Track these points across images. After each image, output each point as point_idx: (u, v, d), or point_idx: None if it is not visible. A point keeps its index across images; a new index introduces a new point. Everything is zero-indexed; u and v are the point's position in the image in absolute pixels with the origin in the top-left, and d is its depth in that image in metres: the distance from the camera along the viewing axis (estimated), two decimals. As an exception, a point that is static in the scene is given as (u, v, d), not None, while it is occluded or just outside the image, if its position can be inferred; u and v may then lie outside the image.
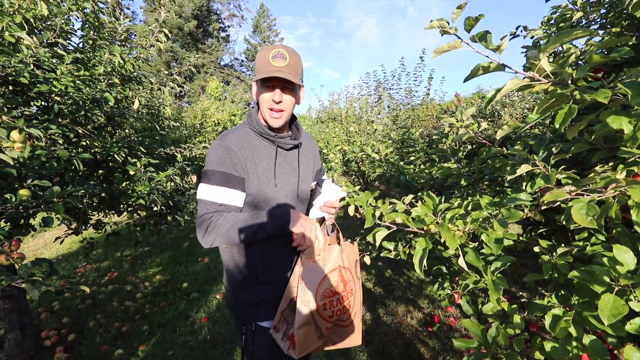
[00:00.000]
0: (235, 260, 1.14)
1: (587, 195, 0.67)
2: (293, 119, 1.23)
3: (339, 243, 1.11)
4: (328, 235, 1.12)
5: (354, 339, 1.14)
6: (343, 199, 1.21)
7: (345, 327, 1.10)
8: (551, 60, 1.56)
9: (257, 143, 1.12)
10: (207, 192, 1.05)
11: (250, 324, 1.13)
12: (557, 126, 0.62)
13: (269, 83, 1.05)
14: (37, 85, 1.89)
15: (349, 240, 1.19)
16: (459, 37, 0.68)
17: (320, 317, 1.02)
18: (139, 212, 2.84)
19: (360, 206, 1.00)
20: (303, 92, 1.18)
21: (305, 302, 1.01)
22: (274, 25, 31.07)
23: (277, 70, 1.02)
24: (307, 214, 1.21)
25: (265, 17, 30.69)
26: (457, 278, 1.25)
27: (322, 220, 1.17)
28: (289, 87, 1.07)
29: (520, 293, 2.38)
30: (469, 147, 1.58)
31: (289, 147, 1.16)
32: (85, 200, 2.37)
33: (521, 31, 2.00)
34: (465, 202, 0.92)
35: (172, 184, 2.87)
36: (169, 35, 2.91)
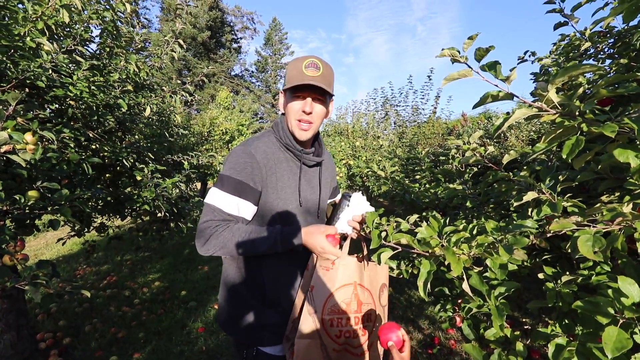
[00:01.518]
0: (242, 278, 1.05)
1: (593, 226, 0.67)
2: (316, 134, 1.14)
3: (361, 260, 1.02)
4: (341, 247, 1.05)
5: None
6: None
7: (357, 355, 0.98)
8: (561, 89, 1.59)
9: (280, 155, 1.06)
10: (217, 198, 0.98)
11: (251, 347, 1.04)
12: (564, 156, 0.63)
13: (300, 92, 1.00)
14: (53, 89, 1.94)
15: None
16: (469, 66, 0.69)
17: (327, 334, 0.95)
18: (142, 217, 2.86)
19: (367, 226, 1.00)
20: (332, 105, 1.12)
21: (311, 312, 0.94)
22: (285, 38, 31.72)
23: (310, 79, 0.96)
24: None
25: (277, 31, 31.36)
26: (459, 300, 1.24)
27: (345, 237, 1.09)
28: (321, 98, 1.02)
29: (524, 319, 2.34)
30: (475, 169, 1.59)
31: (311, 164, 1.11)
32: (90, 204, 2.39)
33: (529, 56, 2.03)
34: (471, 226, 0.92)
35: (178, 190, 2.89)
36: (184, 45, 2.99)
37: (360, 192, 1.12)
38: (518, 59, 2.06)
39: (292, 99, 1.02)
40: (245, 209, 1.00)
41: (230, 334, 1.08)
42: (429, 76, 7.14)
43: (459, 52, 0.70)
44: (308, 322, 0.94)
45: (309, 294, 0.96)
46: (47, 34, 2.09)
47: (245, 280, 1.05)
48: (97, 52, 2.55)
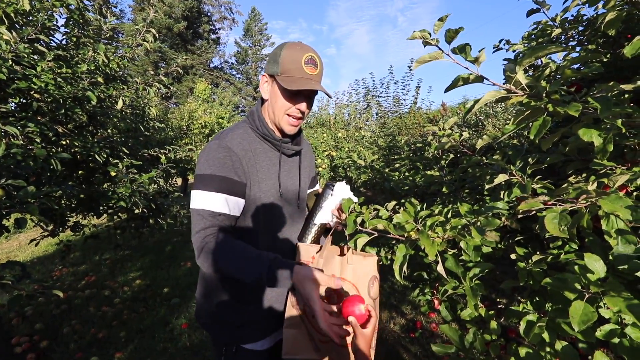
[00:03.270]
0: (223, 278, 1.01)
1: (560, 205, 0.69)
2: None
3: (343, 253, 1.00)
4: (319, 242, 1.03)
5: None
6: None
7: (344, 347, 0.95)
8: (530, 73, 1.62)
9: (258, 146, 1.01)
10: (203, 200, 0.91)
11: (231, 345, 1.01)
12: (531, 137, 0.64)
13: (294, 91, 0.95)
14: (16, 81, 1.83)
15: (368, 252, 1.09)
16: (440, 49, 0.69)
17: (311, 325, 0.93)
18: (119, 214, 2.77)
19: (343, 212, 1.00)
20: None
21: (294, 302, 0.93)
22: (265, 29, 31.16)
23: (309, 78, 0.93)
24: (310, 218, 1.08)
25: (257, 21, 30.75)
26: (437, 284, 1.27)
27: (325, 229, 1.07)
28: (312, 95, 1.00)
29: (499, 299, 2.42)
30: (452, 155, 1.61)
31: (290, 153, 1.08)
32: (63, 202, 2.30)
33: (504, 44, 2.06)
34: (446, 210, 0.94)
35: (156, 186, 2.82)
36: (157, 36, 2.88)
37: (344, 181, 1.11)
38: (493, 47, 2.09)
39: (285, 93, 0.95)
40: (235, 206, 0.95)
41: (208, 330, 1.05)
42: (409, 67, 7.19)
43: (430, 34, 0.70)
44: (292, 312, 0.93)
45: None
46: (7, 22, 1.96)
47: (222, 276, 1.01)
48: (63, 42, 2.42)
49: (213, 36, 28.59)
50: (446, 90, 0.77)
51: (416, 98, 7.59)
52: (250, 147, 0.99)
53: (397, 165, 2.17)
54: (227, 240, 0.89)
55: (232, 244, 0.89)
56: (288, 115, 0.98)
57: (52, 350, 2.38)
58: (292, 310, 0.93)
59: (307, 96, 0.98)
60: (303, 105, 0.97)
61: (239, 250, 0.88)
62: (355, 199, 1.03)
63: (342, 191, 1.05)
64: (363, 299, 0.81)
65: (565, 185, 0.78)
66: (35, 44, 2.07)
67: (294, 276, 0.83)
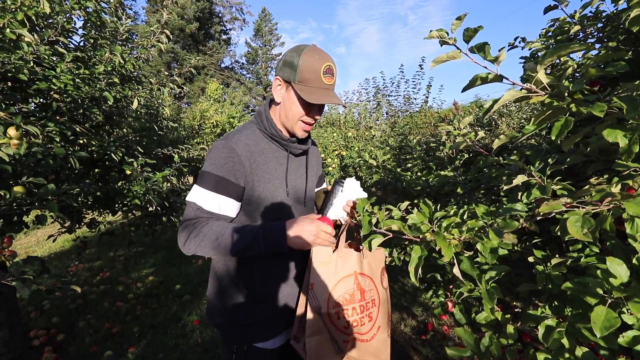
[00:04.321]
0: (230, 272, 1.02)
1: (582, 207, 0.68)
2: None
3: (359, 248, 1.01)
4: (338, 237, 1.03)
5: (379, 356, 1.01)
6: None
7: (366, 341, 0.99)
8: (549, 72, 1.58)
9: (265, 146, 1.03)
10: (198, 196, 0.95)
11: (242, 344, 1.02)
12: (553, 138, 0.63)
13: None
14: (36, 82, 1.89)
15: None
16: (457, 48, 0.68)
17: (334, 327, 0.93)
18: (133, 212, 2.82)
19: (358, 214, 0.99)
20: None
21: (316, 308, 0.92)
22: (275, 29, 31.27)
23: (327, 88, 0.95)
24: (321, 214, 1.07)
25: (267, 21, 30.89)
26: (450, 286, 1.25)
27: (339, 225, 1.06)
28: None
29: (515, 303, 2.38)
30: (466, 155, 1.59)
31: (298, 153, 1.09)
32: (80, 199, 2.35)
33: (519, 42, 2.02)
34: (461, 211, 0.92)
35: (169, 184, 2.86)
36: (171, 36, 2.92)
37: (354, 177, 1.10)
38: (508, 45, 2.05)
39: (302, 102, 0.96)
40: (227, 206, 0.97)
41: (220, 329, 1.06)
42: (420, 65, 7.11)
43: (447, 33, 0.69)
44: (314, 320, 0.93)
45: (310, 292, 0.94)
46: (28, 25, 2.02)
47: (233, 275, 1.02)
48: (81, 44, 2.48)
49: (224, 37, 28.85)
50: (463, 90, 0.76)
51: (427, 97, 7.51)
52: (257, 148, 1.00)
53: (409, 165, 2.15)
54: (216, 223, 0.93)
55: (222, 224, 0.93)
56: (302, 122, 1.00)
57: (68, 344, 2.44)
58: (312, 316, 0.93)
59: (322, 105, 1.00)
60: (318, 114, 1.00)
61: (228, 227, 0.92)
62: (365, 194, 1.04)
63: (352, 187, 1.05)
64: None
65: (587, 187, 0.76)
66: (55, 46, 2.13)
67: (289, 228, 0.91)
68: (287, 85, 0.98)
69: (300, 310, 1.00)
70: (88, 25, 2.41)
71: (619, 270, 0.73)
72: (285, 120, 1.01)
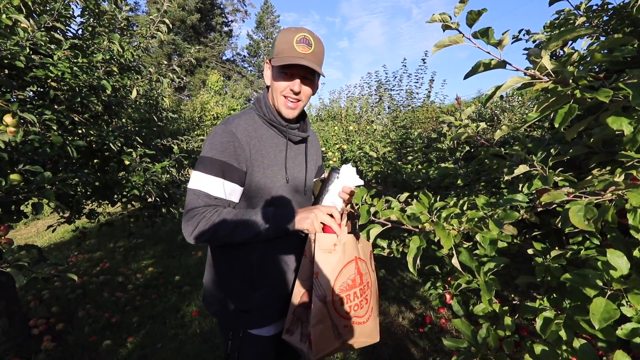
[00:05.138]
0: (228, 259, 1.02)
1: (584, 197, 0.66)
2: (302, 112, 1.09)
3: (354, 233, 1.01)
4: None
5: (372, 336, 1.05)
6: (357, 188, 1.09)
7: (363, 323, 1.02)
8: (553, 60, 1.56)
9: (264, 132, 1.01)
10: (201, 182, 0.92)
11: (238, 330, 1.02)
12: (556, 125, 0.61)
13: (289, 70, 0.95)
14: (33, 69, 1.86)
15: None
16: (460, 32, 0.66)
17: (337, 314, 0.95)
18: (133, 203, 2.81)
19: (356, 203, 0.98)
20: (318, 81, 1.08)
21: (322, 297, 0.92)
22: (277, 22, 30.97)
23: (301, 57, 0.92)
24: (317, 202, 1.07)
25: (269, 14, 30.59)
26: (449, 278, 1.25)
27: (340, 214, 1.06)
28: (310, 77, 0.98)
29: (513, 296, 2.38)
30: (467, 148, 1.57)
31: (297, 140, 1.07)
32: (78, 189, 2.34)
33: (524, 35, 1.99)
34: (461, 202, 0.91)
35: (168, 175, 2.85)
36: (170, 26, 2.88)
37: (350, 163, 1.09)
38: (512, 38, 2.02)
39: (280, 75, 0.97)
40: (231, 191, 0.95)
41: (216, 316, 1.06)
42: (423, 59, 7.05)
43: (450, 17, 0.67)
44: (319, 309, 0.93)
45: (315, 281, 0.93)
46: (24, 11, 1.99)
47: (231, 262, 1.01)
48: (79, 32, 2.45)
49: (225, 29, 28.58)
50: (466, 77, 0.74)
51: (429, 91, 7.46)
52: (256, 133, 0.99)
53: (409, 157, 2.13)
54: (225, 210, 0.92)
55: (231, 210, 0.92)
56: (284, 97, 0.98)
57: (67, 333, 2.46)
58: (318, 305, 0.93)
59: (303, 76, 0.97)
60: (296, 85, 0.95)
61: (239, 213, 0.92)
62: (361, 182, 1.03)
63: (348, 174, 1.03)
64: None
65: (590, 177, 0.74)
66: (52, 33, 2.10)
67: (297, 216, 0.92)
68: (270, 65, 0.99)
69: (295, 301, 0.99)
70: (86, 12, 2.38)
71: (620, 262, 0.72)
72: (274, 102, 1.01)
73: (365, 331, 1.01)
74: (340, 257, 0.94)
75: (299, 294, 0.98)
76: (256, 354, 1.04)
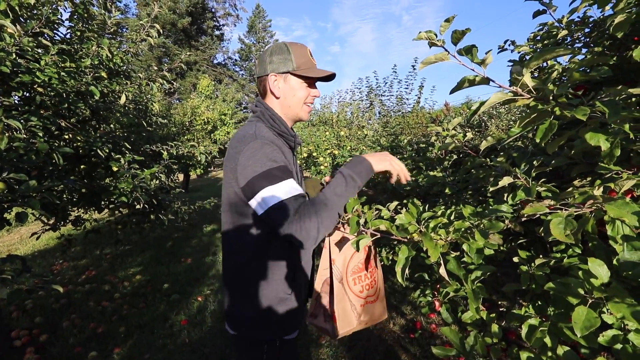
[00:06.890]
0: (273, 272, 1.00)
1: (565, 209, 0.69)
2: None
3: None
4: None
5: (381, 314, 1.16)
6: None
7: (373, 302, 1.12)
8: (536, 75, 1.61)
9: (278, 142, 1.03)
10: (287, 189, 0.88)
11: (274, 341, 1.02)
12: (537, 141, 0.64)
13: (313, 80, 1.05)
14: (19, 75, 1.83)
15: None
16: (446, 50, 0.68)
17: (353, 293, 1.05)
18: (120, 209, 2.77)
19: (346, 212, 0.99)
20: None
21: (340, 279, 1.02)
22: (269, 26, 31.08)
23: (323, 70, 1.04)
24: None
25: (261, 18, 30.68)
26: (438, 286, 1.26)
27: None
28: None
29: (501, 302, 2.42)
30: (455, 156, 1.60)
31: (296, 148, 1.14)
32: (64, 196, 2.30)
33: (509, 45, 2.05)
34: (449, 212, 0.93)
35: (157, 181, 2.82)
36: (160, 31, 2.87)
37: None
38: (498, 48, 2.08)
39: (302, 85, 1.05)
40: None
41: (248, 334, 1.02)
42: (413, 66, 7.14)
43: (435, 35, 0.69)
44: (339, 289, 1.02)
45: (333, 267, 1.03)
46: (11, 16, 1.96)
47: (276, 274, 1.00)
48: (68, 36, 2.42)
49: (217, 32, 28.53)
50: (451, 92, 0.76)
51: (419, 97, 7.56)
52: (278, 142, 1.03)
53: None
54: (310, 200, 0.91)
55: (314, 198, 0.92)
56: (305, 104, 1.07)
57: (51, 344, 2.39)
58: (338, 285, 1.02)
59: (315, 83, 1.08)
60: (317, 91, 1.07)
61: (327, 192, 0.92)
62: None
63: None
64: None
65: (571, 189, 0.77)
66: (40, 38, 2.07)
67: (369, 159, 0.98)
68: (285, 77, 1.03)
69: (317, 288, 1.07)
70: (75, 17, 2.35)
71: (600, 271, 0.74)
72: (290, 110, 1.06)
73: (378, 310, 1.14)
74: (350, 245, 1.03)
75: (320, 281, 1.07)
76: (293, 358, 1.08)
